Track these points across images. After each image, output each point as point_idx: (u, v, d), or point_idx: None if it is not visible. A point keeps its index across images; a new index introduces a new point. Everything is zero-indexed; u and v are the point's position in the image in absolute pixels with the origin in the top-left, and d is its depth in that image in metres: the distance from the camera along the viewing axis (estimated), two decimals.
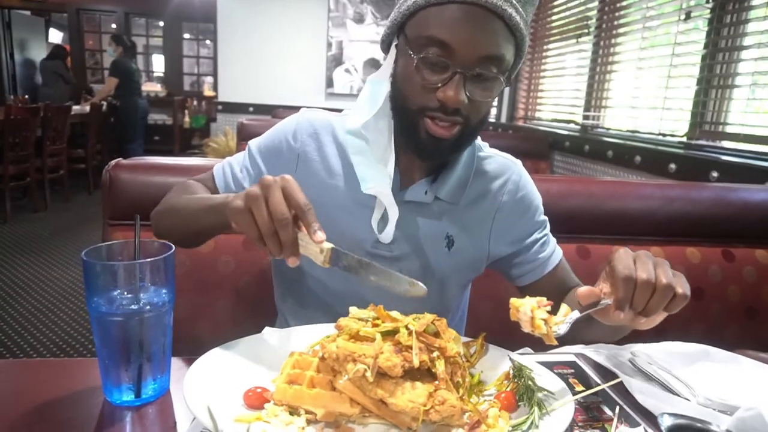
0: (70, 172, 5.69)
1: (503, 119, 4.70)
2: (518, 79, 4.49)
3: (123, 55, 6.05)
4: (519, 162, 1.03)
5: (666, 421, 0.55)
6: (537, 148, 3.56)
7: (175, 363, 0.73)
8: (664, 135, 2.69)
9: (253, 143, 0.99)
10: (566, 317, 0.70)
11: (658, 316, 0.68)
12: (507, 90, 4.61)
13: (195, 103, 7.99)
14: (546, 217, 1.03)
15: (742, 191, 1.56)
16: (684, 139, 2.49)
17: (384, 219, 0.91)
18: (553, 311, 0.71)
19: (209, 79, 8.54)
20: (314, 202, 0.89)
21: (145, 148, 6.50)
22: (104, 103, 6.21)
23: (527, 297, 0.72)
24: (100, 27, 8.96)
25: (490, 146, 1.04)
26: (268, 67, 6.29)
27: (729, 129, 2.31)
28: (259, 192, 0.66)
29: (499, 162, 1.00)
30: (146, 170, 1.27)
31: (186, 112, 7.81)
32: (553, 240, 1.03)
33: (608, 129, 3.22)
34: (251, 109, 6.29)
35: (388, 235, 0.90)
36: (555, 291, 0.98)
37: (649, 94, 2.89)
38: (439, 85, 0.80)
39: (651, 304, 0.66)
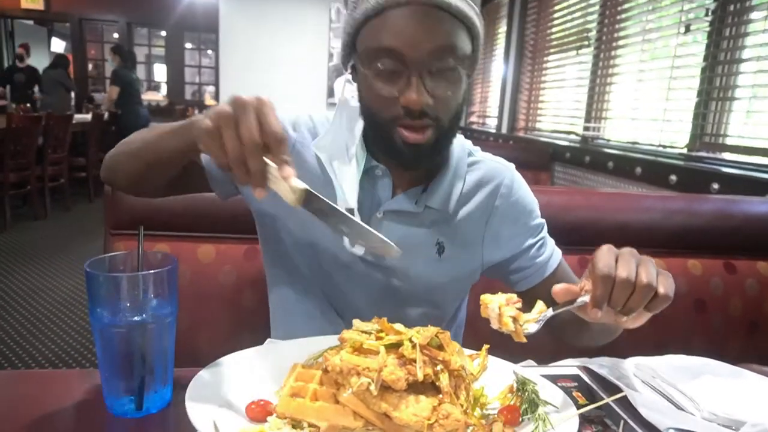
0: (71, 180, 5.70)
1: (504, 130, 4.71)
2: (519, 89, 4.51)
3: (122, 65, 6.10)
4: (512, 165, 1.01)
5: None
6: (538, 159, 3.57)
7: (177, 374, 0.72)
8: (664, 146, 2.70)
9: None
10: (540, 315, 0.69)
11: (642, 316, 0.67)
12: (507, 101, 4.63)
13: (197, 112, 8.02)
14: (543, 221, 1.01)
15: (744, 203, 1.57)
16: (684, 151, 2.50)
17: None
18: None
19: (211, 89, 8.59)
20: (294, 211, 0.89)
21: None
22: (106, 112, 6.24)
23: (499, 293, 0.71)
24: (102, 36, 9.03)
25: None
26: (269, 76, 6.33)
27: (729, 141, 2.32)
28: (230, 112, 0.61)
29: (491, 166, 0.99)
30: None
31: None
32: (551, 242, 1.01)
33: (609, 140, 3.23)
34: None
35: (359, 249, 0.90)
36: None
37: (649, 105, 2.90)
38: (398, 92, 0.79)
39: (630, 303, 0.64)
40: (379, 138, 0.87)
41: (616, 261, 0.65)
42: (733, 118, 2.34)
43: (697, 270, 1.47)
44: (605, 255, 0.66)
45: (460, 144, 0.97)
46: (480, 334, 0.96)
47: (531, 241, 0.98)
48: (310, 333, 0.83)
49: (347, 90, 0.91)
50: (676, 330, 1.44)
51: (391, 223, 0.92)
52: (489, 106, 5.43)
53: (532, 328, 0.68)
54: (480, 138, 5.15)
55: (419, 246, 0.93)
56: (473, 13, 0.82)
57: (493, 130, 4.97)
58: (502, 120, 4.74)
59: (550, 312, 0.69)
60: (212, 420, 0.45)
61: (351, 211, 0.87)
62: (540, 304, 0.71)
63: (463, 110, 0.88)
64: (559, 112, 3.97)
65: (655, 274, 0.65)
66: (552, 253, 0.99)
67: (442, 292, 0.98)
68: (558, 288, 0.70)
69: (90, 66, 8.93)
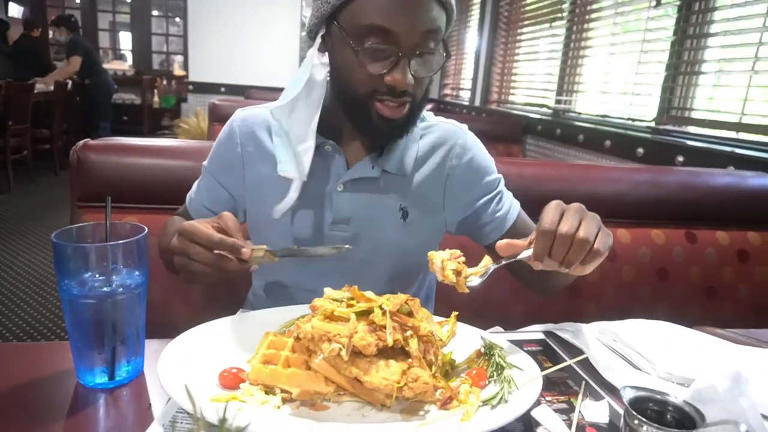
0: (35, 152, 5.51)
1: (477, 102, 4.72)
2: (492, 62, 4.51)
3: (70, 34, 5.83)
4: (465, 126, 1.04)
5: (628, 394, 0.58)
6: (510, 131, 3.59)
7: (150, 345, 0.73)
8: (633, 120, 2.75)
9: (206, 162, 1.03)
10: (484, 269, 0.73)
11: (587, 266, 0.71)
12: (481, 73, 4.63)
13: (165, 82, 7.79)
14: (499, 176, 1.05)
15: (706, 175, 1.62)
16: (652, 124, 2.55)
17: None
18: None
19: (179, 58, 8.32)
20: (269, 197, 0.91)
21: (113, 129, 6.33)
22: (69, 81, 6.00)
23: (446, 250, 0.75)
24: (63, 2, 8.62)
25: None
26: (240, 46, 6.17)
27: (695, 115, 2.38)
28: (183, 249, 0.71)
29: (444, 128, 1.02)
30: (116, 151, 1.24)
31: (155, 91, 7.61)
32: (508, 196, 1.05)
33: (580, 113, 3.27)
34: (223, 89, 6.18)
35: (278, 211, 0.91)
36: None
37: (619, 79, 2.94)
38: (385, 70, 0.81)
39: (568, 257, 0.69)
40: (352, 110, 0.88)
41: (561, 216, 0.69)
42: (699, 92, 2.39)
43: (661, 239, 1.52)
44: (551, 211, 0.71)
45: None
46: (451, 304, 0.98)
47: (488, 196, 1.01)
48: (286, 304, 0.84)
49: (315, 65, 0.90)
50: (640, 296, 1.50)
51: (353, 194, 0.94)
52: (463, 78, 5.41)
53: (476, 281, 0.73)
54: (453, 110, 5.15)
55: (384, 213, 0.95)
56: None
57: (467, 103, 4.97)
58: (476, 92, 4.74)
59: (493, 266, 0.74)
60: (187, 386, 0.46)
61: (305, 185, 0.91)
62: (486, 259, 0.76)
63: (429, 89, 0.91)
64: (532, 84, 3.99)
65: (595, 231, 0.69)
66: (510, 206, 1.03)
67: (410, 257, 1.00)
68: (502, 243, 0.74)
69: (51, 33, 8.55)
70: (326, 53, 0.90)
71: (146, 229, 0.68)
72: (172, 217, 1.05)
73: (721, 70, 2.26)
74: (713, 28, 2.30)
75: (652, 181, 1.54)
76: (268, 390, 0.63)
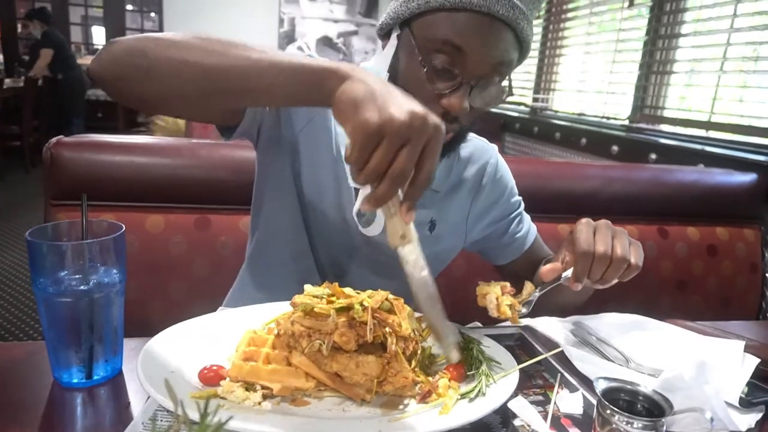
0: (4, 149, 5.37)
1: None
2: None
3: (44, 26, 5.69)
4: (495, 146, 1.05)
5: (600, 385, 0.60)
6: (489, 129, 3.62)
7: (128, 344, 0.72)
8: (608, 118, 2.80)
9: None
10: (530, 296, 0.76)
11: (625, 280, 0.75)
12: None
13: None
14: (520, 198, 1.06)
15: (677, 172, 1.66)
16: (626, 123, 2.60)
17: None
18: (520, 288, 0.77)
19: None
20: (317, 168, 0.87)
21: (87, 125, 6.19)
22: (40, 77, 5.85)
23: (492, 283, 0.77)
24: None
25: None
26: None
27: (667, 113, 2.43)
28: (405, 130, 0.52)
29: (477, 146, 1.02)
30: (91, 148, 1.22)
31: None
32: (527, 218, 1.06)
33: (556, 111, 3.31)
34: None
35: (374, 230, 0.88)
36: (531, 267, 1.02)
37: (595, 78, 2.99)
38: (446, 91, 0.76)
39: (606, 276, 0.72)
40: None
41: (594, 235, 0.71)
42: (671, 91, 2.45)
43: (634, 235, 1.53)
44: (584, 231, 0.72)
45: None
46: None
47: (510, 217, 1.03)
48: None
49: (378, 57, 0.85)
50: (614, 290, 1.52)
51: None
52: None
53: (524, 310, 0.76)
54: None
55: (416, 225, 0.93)
56: (530, 31, 0.80)
57: None
58: None
59: (537, 293, 0.76)
60: (165, 383, 0.46)
61: None
62: (528, 286, 0.77)
63: (478, 120, 0.87)
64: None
65: (628, 246, 0.72)
66: (529, 229, 1.05)
67: (431, 269, 0.99)
68: (545, 269, 0.76)
69: (20, 26, 8.32)
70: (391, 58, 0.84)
71: (123, 226, 0.68)
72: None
73: (692, 70, 2.32)
74: (684, 29, 2.35)
75: (624, 178, 1.58)
76: (249, 387, 0.63)
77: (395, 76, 0.82)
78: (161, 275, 1.23)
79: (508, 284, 0.76)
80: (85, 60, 7.43)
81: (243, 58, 0.61)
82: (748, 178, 1.65)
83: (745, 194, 1.65)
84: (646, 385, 0.60)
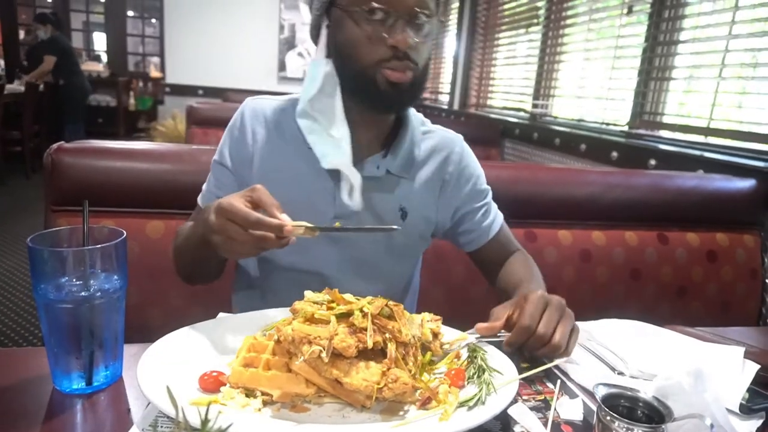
0: (6, 155, 5.37)
1: (456, 106, 4.76)
2: (470, 66, 4.56)
3: (56, 31, 5.72)
4: (460, 136, 1.10)
5: (600, 391, 0.60)
6: (488, 135, 3.63)
7: (129, 350, 0.72)
8: (607, 124, 2.81)
9: (215, 156, 1.04)
10: (459, 342, 0.79)
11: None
12: (459, 77, 4.67)
13: (141, 84, 7.67)
14: (488, 187, 1.10)
15: (676, 178, 1.66)
16: (625, 128, 2.61)
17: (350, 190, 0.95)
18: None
19: (155, 60, 8.21)
20: (277, 186, 0.91)
21: (88, 131, 6.20)
22: (41, 83, 5.87)
23: (426, 314, 0.80)
24: (35, 0, 8.43)
25: None
26: (218, 48, 6.12)
27: (666, 119, 2.44)
28: (222, 227, 0.72)
29: (443, 136, 1.08)
30: (91, 154, 1.23)
31: (131, 93, 7.49)
32: (494, 208, 1.11)
33: (556, 117, 3.32)
34: (201, 92, 6.11)
35: (356, 201, 0.93)
36: (498, 255, 1.09)
37: (594, 84, 3.00)
38: (386, 34, 0.86)
39: (538, 353, 0.77)
40: (360, 86, 0.92)
41: (541, 313, 0.76)
42: (670, 97, 2.46)
43: (634, 241, 1.56)
44: (532, 306, 0.76)
45: (414, 114, 1.04)
46: (432, 307, 1.00)
47: (476, 205, 1.07)
48: (273, 306, 0.85)
49: (322, 60, 0.94)
50: (614, 296, 1.53)
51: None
52: (441, 82, 5.45)
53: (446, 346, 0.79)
54: (432, 114, 5.18)
55: (386, 212, 0.99)
56: None
57: (446, 106, 5.01)
58: (454, 96, 4.78)
59: (469, 341, 0.79)
60: (169, 388, 0.46)
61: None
62: (462, 335, 0.81)
63: (430, 65, 0.96)
64: (509, 89, 4.04)
65: (568, 334, 0.76)
66: (495, 218, 1.09)
67: (404, 257, 1.05)
68: (482, 326, 0.80)
69: (22, 33, 8.35)
70: (327, 49, 0.94)
71: (125, 233, 0.68)
72: (184, 223, 1.03)
73: (691, 76, 2.33)
74: (683, 36, 2.36)
75: (624, 184, 1.58)
76: (249, 393, 0.63)
77: (339, 55, 0.92)
78: (162, 281, 1.23)
79: (439, 317, 0.80)
80: (86, 66, 7.46)
81: (184, 236, 0.96)
82: (747, 183, 1.66)
83: (745, 200, 1.65)
84: (646, 392, 0.60)
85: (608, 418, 0.57)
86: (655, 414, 0.58)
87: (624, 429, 0.56)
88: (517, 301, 0.81)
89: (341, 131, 0.93)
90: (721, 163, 1.85)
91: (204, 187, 1.05)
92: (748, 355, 0.77)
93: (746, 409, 0.71)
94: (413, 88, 0.92)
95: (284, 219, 0.72)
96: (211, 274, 0.99)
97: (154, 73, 7.81)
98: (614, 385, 0.61)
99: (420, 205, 1.02)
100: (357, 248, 0.99)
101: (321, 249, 0.98)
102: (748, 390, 0.72)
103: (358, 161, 0.96)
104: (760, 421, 0.70)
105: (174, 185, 1.26)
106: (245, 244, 0.71)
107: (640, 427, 0.55)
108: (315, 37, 0.97)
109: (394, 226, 0.80)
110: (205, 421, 0.34)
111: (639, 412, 0.60)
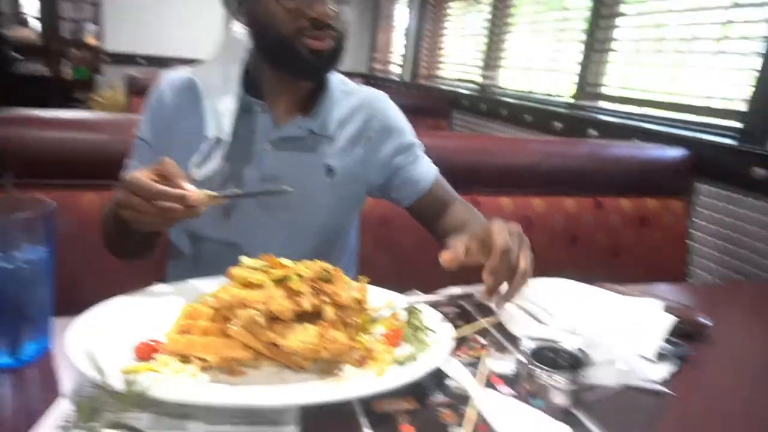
0: None
1: (407, 78, 4.74)
2: (421, 37, 4.54)
3: None
4: (384, 93, 1.11)
5: (527, 344, 0.64)
6: (438, 106, 3.65)
7: (61, 323, 0.70)
8: (552, 95, 2.88)
9: (139, 132, 1.02)
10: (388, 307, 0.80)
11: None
12: (410, 49, 4.65)
13: (76, 52, 7.23)
14: (417, 141, 1.11)
15: (612, 147, 1.74)
16: (569, 100, 2.68)
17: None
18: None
19: (92, 27, 7.76)
20: (195, 159, 0.93)
21: (18, 102, 5.82)
22: None
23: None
24: None
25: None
26: (160, 15, 5.83)
27: (607, 91, 2.52)
28: (128, 202, 0.73)
29: (365, 93, 1.09)
30: (20, 123, 1.17)
31: (66, 62, 7.06)
32: (426, 160, 1.12)
33: (504, 89, 3.37)
34: (142, 61, 5.84)
35: (200, 175, 0.92)
36: (437, 207, 1.09)
37: (541, 56, 3.05)
38: (305, 8, 0.87)
39: (511, 284, 0.78)
40: (281, 56, 0.92)
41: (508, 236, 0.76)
42: (612, 69, 2.53)
43: (572, 208, 1.63)
44: (502, 230, 0.76)
45: (334, 75, 1.05)
46: (376, 272, 1.01)
47: (404, 157, 1.08)
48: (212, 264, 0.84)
49: (233, 28, 0.95)
50: (553, 261, 1.58)
51: (281, 153, 0.98)
52: (392, 53, 5.42)
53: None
54: (384, 85, 5.14)
55: (311, 172, 1.00)
56: None
57: (396, 78, 4.99)
58: (405, 67, 4.76)
59: (403, 302, 0.80)
60: (94, 357, 0.46)
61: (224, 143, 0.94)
62: (389, 301, 0.81)
63: (349, 31, 0.97)
64: (459, 60, 4.06)
65: (530, 259, 0.78)
66: (427, 170, 1.10)
67: (336, 218, 1.06)
68: (447, 256, 0.79)
69: None
70: (244, 17, 0.95)
71: (54, 203, 0.65)
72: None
73: (632, 50, 2.40)
74: (624, 9, 2.43)
75: (563, 153, 1.64)
76: (185, 360, 0.63)
77: (257, 26, 0.93)
78: (99, 255, 1.19)
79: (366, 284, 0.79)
80: (14, 32, 6.97)
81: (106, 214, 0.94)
82: (677, 153, 1.74)
83: (674, 168, 1.74)
84: (569, 342, 0.64)
85: (533, 368, 0.61)
86: (576, 362, 0.62)
87: (548, 376, 0.60)
88: (474, 234, 0.80)
89: (227, 103, 0.93)
90: (656, 133, 1.94)
91: (128, 162, 1.04)
92: (667, 309, 0.83)
93: (661, 357, 0.76)
94: (335, 54, 0.93)
95: (190, 189, 0.73)
96: (140, 250, 0.98)
97: (91, 40, 7.37)
98: (540, 338, 0.65)
99: (346, 163, 1.03)
100: (285, 212, 1.00)
101: (248, 218, 0.99)
102: (666, 339, 0.78)
103: (280, 123, 0.99)
104: (675, 368, 0.76)
105: (110, 156, 1.21)
106: (153, 215, 0.72)
107: (562, 374, 0.59)
108: (229, 5, 0.97)
109: (287, 187, 0.82)
110: (129, 384, 0.34)
111: (562, 361, 0.64)
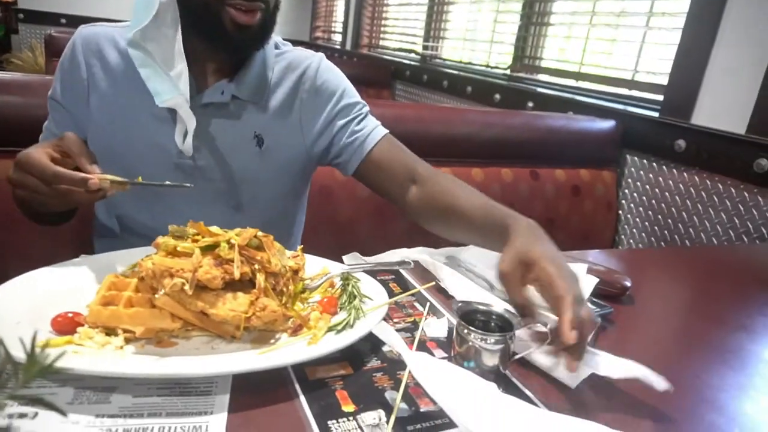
0: None
1: (348, 47, 4.66)
2: (363, 5, 4.45)
3: None
4: (321, 54, 1.03)
5: (458, 308, 0.65)
6: (380, 76, 3.62)
7: None
8: (492, 67, 2.91)
9: (50, 91, 0.95)
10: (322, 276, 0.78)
11: None
12: (351, 17, 4.56)
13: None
14: (359, 101, 1.02)
15: (548, 118, 1.78)
16: (508, 72, 2.72)
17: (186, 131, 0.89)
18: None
19: None
20: (115, 124, 0.89)
21: None
22: None
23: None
24: None
25: None
26: None
27: (544, 64, 2.57)
28: (22, 181, 0.69)
29: (297, 54, 1.01)
30: None
31: None
32: (372, 121, 1.01)
33: (445, 60, 3.38)
34: (63, 20, 5.42)
35: (188, 146, 0.88)
36: (388, 171, 0.97)
37: (482, 27, 3.07)
38: None
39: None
40: (204, 24, 0.85)
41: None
42: (549, 42, 2.58)
43: (509, 177, 1.67)
44: (568, 287, 0.61)
45: None
46: (320, 246, 1.00)
47: (345, 119, 0.99)
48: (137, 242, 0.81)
49: None
50: None
51: (203, 120, 0.90)
52: (334, 21, 5.29)
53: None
54: (325, 53, 5.04)
55: (237, 140, 0.93)
56: None
57: (338, 47, 4.89)
58: (347, 37, 4.67)
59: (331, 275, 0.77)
60: (6, 334, 0.42)
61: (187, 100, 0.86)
62: (324, 268, 0.80)
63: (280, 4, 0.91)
64: (401, 30, 4.02)
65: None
66: (372, 130, 0.99)
67: (270, 186, 0.98)
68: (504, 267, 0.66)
69: None
70: None
71: None
72: None
73: (567, 23, 2.46)
74: None
75: (501, 123, 1.66)
76: (110, 332, 0.60)
77: (186, 3, 0.85)
78: (21, 227, 1.12)
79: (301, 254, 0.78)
80: None
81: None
82: (608, 124, 1.81)
83: (605, 140, 1.81)
84: (499, 306, 0.66)
85: (465, 331, 0.62)
86: (506, 324, 0.64)
87: (479, 339, 0.61)
88: (533, 268, 0.65)
89: (179, 68, 0.85)
90: (589, 106, 2.00)
91: (44, 125, 0.97)
92: (590, 271, 0.87)
93: None
94: (262, 30, 0.87)
95: (93, 170, 0.69)
96: (56, 220, 0.93)
97: None
98: (471, 302, 0.66)
99: (279, 131, 0.96)
100: (216, 180, 0.93)
101: (177, 197, 0.93)
102: (588, 300, 0.82)
103: (201, 89, 0.91)
104: (596, 327, 0.80)
105: (25, 120, 1.12)
106: (51, 197, 0.68)
107: (492, 336, 0.61)
108: None
109: (187, 184, 0.78)
110: (31, 354, 0.32)
111: (492, 324, 0.66)
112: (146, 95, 0.86)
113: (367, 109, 1.03)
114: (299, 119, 0.98)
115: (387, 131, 1.01)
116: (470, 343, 0.62)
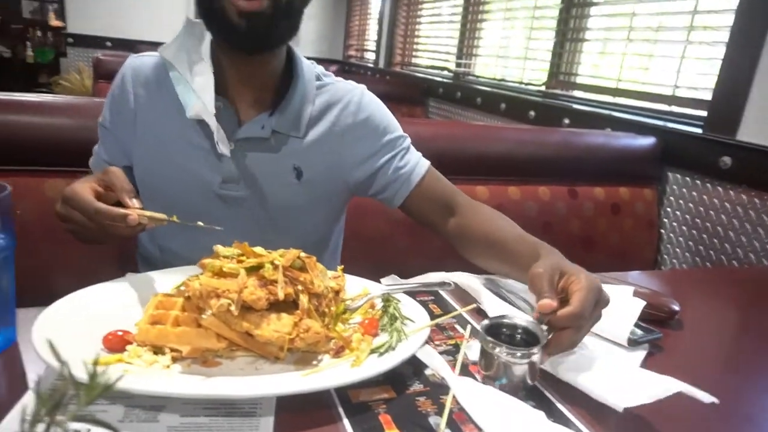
0: None
1: (381, 65, 4.71)
2: (395, 24, 4.50)
3: None
4: (363, 86, 1.03)
5: (484, 323, 0.65)
6: (413, 94, 3.64)
7: (26, 314, 0.67)
8: (526, 84, 2.89)
9: (100, 118, 0.98)
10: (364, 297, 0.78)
11: None
12: (385, 35, 4.61)
13: (39, 34, 6.95)
14: (404, 135, 1.02)
15: (586, 135, 1.75)
16: (542, 88, 2.70)
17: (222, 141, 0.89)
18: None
19: (55, 7, 7.46)
20: (159, 152, 0.91)
21: None
22: None
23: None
24: None
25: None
26: None
27: (580, 80, 2.54)
28: (67, 216, 0.71)
29: (339, 87, 1.00)
30: None
31: (28, 44, 6.78)
32: (415, 153, 1.02)
33: (478, 77, 3.37)
34: (109, 43, 5.65)
35: (225, 146, 0.87)
36: (432, 203, 0.99)
37: (515, 44, 3.06)
38: None
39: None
40: (211, 15, 0.84)
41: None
42: (584, 58, 2.56)
43: (546, 196, 1.64)
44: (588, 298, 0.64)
45: (308, 68, 0.98)
46: (354, 256, 1.00)
47: (390, 154, 0.99)
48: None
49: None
50: None
51: (243, 154, 0.92)
52: (367, 39, 5.37)
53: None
54: (358, 72, 5.11)
55: (276, 172, 0.94)
56: None
57: (371, 65, 4.95)
58: (380, 55, 4.73)
59: (376, 292, 0.79)
60: (58, 351, 0.44)
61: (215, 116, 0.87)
62: (365, 289, 0.80)
63: None
64: (434, 48, 4.05)
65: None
66: (417, 164, 1.00)
67: (308, 216, 0.99)
68: (545, 305, 0.64)
69: None
70: None
71: (8, 187, 0.62)
72: None
73: (603, 39, 2.43)
74: None
75: (537, 141, 1.65)
76: (158, 351, 0.61)
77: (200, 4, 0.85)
78: (65, 244, 1.16)
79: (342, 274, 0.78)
80: None
81: None
82: (648, 141, 1.77)
83: (645, 157, 1.77)
84: (524, 317, 0.66)
85: (490, 345, 0.61)
86: (532, 337, 0.64)
87: (505, 354, 0.60)
88: (564, 276, 0.70)
89: (203, 78, 0.86)
90: (627, 122, 1.96)
91: (94, 149, 1.00)
92: (637, 294, 0.85)
93: (633, 343, 0.78)
94: (272, 19, 0.81)
95: (134, 205, 0.71)
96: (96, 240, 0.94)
97: (54, 21, 7.10)
98: (496, 317, 0.66)
99: (318, 164, 0.95)
100: (256, 211, 0.94)
101: (222, 216, 0.93)
102: (636, 325, 0.80)
103: (242, 122, 0.92)
104: (644, 353, 0.77)
105: (73, 141, 1.17)
106: (94, 231, 0.70)
107: (518, 350, 0.60)
108: None
109: (218, 227, 0.76)
110: (93, 375, 0.32)
111: (519, 337, 0.65)
112: (189, 126, 0.89)
113: (408, 141, 1.03)
114: (339, 153, 0.97)
115: (428, 163, 1.02)
116: (498, 359, 0.61)
